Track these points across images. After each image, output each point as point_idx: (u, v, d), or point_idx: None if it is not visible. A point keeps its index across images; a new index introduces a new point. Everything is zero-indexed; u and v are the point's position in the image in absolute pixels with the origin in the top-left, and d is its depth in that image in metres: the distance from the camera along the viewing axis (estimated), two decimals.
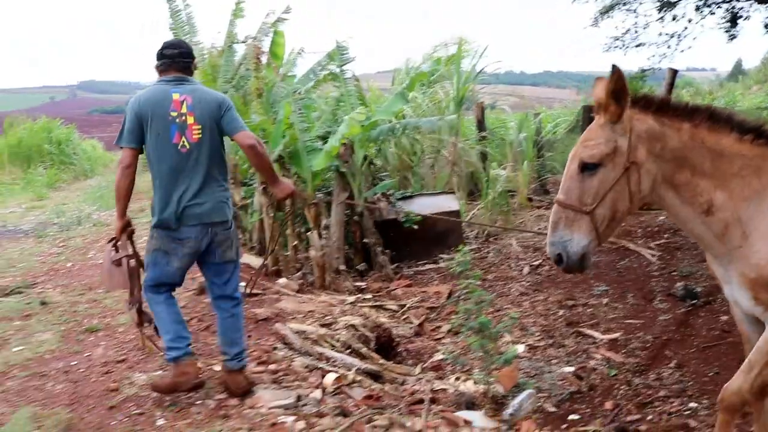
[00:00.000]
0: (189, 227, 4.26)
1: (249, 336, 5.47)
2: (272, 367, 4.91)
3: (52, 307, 6.98)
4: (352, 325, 5.91)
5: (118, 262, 4.47)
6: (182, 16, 9.85)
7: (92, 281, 8.01)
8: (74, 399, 4.59)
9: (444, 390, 5.14)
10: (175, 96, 4.24)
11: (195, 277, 7.40)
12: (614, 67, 3.15)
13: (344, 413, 4.35)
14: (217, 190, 4.35)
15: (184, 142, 4.23)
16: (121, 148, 4.30)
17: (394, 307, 7.20)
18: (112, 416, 4.28)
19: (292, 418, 4.14)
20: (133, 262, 4.51)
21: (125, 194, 4.29)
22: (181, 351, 4.32)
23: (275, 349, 5.21)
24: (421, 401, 4.81)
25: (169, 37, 10.08)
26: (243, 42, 9.19)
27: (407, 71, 12.02)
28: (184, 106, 4.23)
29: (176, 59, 4.37)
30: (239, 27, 9.76)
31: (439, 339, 6.52)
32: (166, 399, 4.45)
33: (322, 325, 5.95)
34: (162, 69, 4.38)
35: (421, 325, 6.73)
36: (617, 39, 12.43)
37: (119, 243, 4.48)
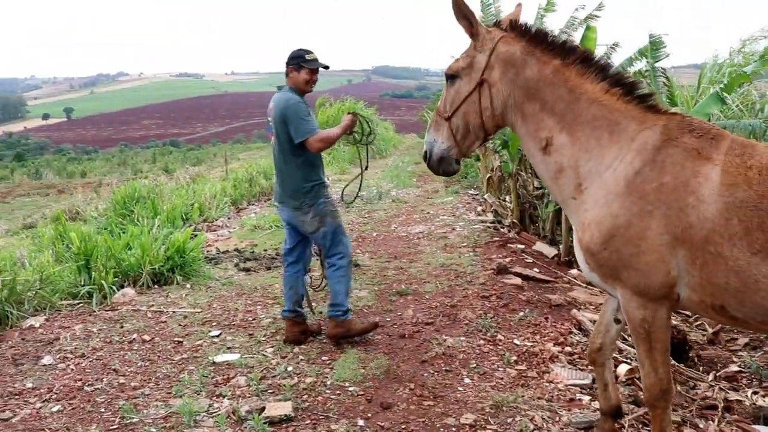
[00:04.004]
0: (279, 204, 5.45)
1: (546, 318, 5.82)
2: (568, 349, 5.20)
3: (365, 269, 7.91)
4: None
5: None
6: (492, 9, 10.37)
7: (397, 251, 8.87)
8: (391, 350, 5.29)
9: (739, 401, 5.03)
10: (270, 105, 5.32)
11: (492, 258, 7.92)
12: None
13: (637, 402, 4.51)
14: (290, 179, 5.25)
15: (272, 140, 5.38)
16: None
17: (687, 312, 7.06)
18: (424, 369, 4.89)
19: (588, 397, 4.41)
20: None
21: None
22: (282, 312, 5.55)
23: (571, 333, 5.48)
24: (713, 407, 4.79)
25: None
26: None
27: (715, 67, 11.40)
28: (270, 112, 5.29)
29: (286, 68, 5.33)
30: (549, 21, 10.05)
31: (735, 351, 6.30)
32: (471, 361, 4.96)
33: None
34: None
35: (716, 333, 6.54)
36: None
37: None
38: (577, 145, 3.21)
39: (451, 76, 3.54)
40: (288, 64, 5.27)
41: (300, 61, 5.21)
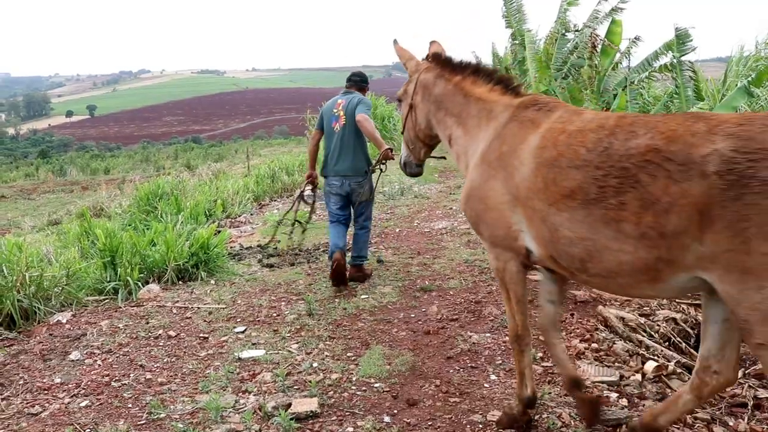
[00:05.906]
0: (335, 178, 7.08)
1: (571, 314, 5.76)
2: (594, 345, 5.14)
3: (388, 265, 7.90)
4: (673, 319, 5.89)
5: (299, 195, 7.93)
6: (514, 4, 10.31)
7: (420, 247, 8.83)
8: (416, 345, 5.28)
9: None
10: (339, 101, 7.21)
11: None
12: (394, 41, 4.67)
13: (664, 399, 4.45)
14: (355, 156, 7.05)
15: (336, 127, 7.09)
16: (316, 130, 7.43)
17: None
18: (449, 365, 4.87)
19: (616, 394, 4.37)
20: (307, 194, 7.85)
21: (312, 155, 7.60)
22: (332, 250, 6.97)
23: (597, 330, 5.43)
24: (743, 405, 4.72)
25: (501, 23, 10.67)
26: (577, 31, 9.36)
27: (742, 60, 11.25)
28: (341, 106, 7.14)
29: (357, 82, 7.46)
30: (573, 15, 9.95)
31: None
32: (497, 357, 4.94)
33: (641, 315, 6.02)
34: (348, 85, 7.42)
35: None
36: None
37: (306, 184, 7.67)
38: (467, 135, 3.91)
39: (398, 100, 4.57)
40: (367, 83, 7.54)
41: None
